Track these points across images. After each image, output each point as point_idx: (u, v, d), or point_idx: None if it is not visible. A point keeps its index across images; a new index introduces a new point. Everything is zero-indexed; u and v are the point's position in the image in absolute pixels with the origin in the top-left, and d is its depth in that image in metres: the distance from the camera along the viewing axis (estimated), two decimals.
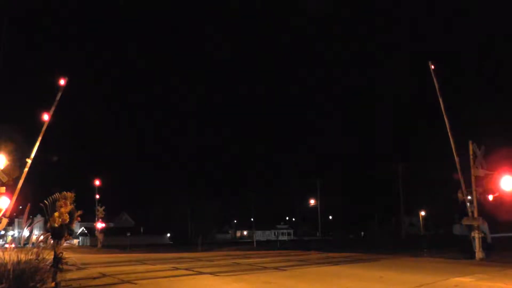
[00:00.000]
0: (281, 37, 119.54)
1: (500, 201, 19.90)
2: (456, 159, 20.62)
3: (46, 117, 20.32)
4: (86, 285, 11.79)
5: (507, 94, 67.20)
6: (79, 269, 14.59)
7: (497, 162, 19.86)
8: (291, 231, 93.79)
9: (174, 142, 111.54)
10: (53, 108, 20.50)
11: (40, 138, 20.06)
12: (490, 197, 19.56)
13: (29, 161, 19.43)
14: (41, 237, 10.40)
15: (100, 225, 48.94)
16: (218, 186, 79.85)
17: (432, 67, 21.80)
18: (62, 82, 20.61)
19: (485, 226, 19.72)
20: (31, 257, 9.71)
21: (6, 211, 18.30)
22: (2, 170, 15.34)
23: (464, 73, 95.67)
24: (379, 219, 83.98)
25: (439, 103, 21.52)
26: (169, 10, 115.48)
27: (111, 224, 71.44)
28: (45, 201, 10.34)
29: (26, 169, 19.27)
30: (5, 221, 17.78)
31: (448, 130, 21.10)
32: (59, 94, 20.58)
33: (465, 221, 20.32)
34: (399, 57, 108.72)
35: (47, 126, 20.38)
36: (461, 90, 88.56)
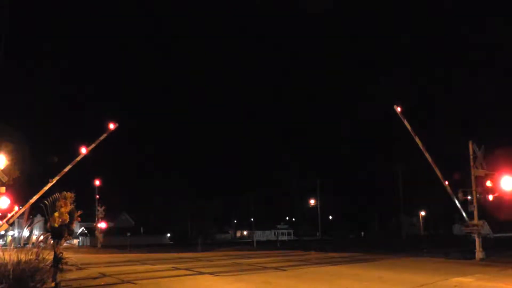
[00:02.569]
0: (282, 36, 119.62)
1: (500, 201, 19.91)
2: (447, 186, 20.81)
3: (84, 150, 20.47)
4: (86, 285, 11.79)
5: (507, 94, 67.17)
6: (79, 269, 14.59)
7: (497, 162, 19.88)
8: (291, 231, 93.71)
9: (174, 142, 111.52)
10: (93, 145, 20.61)
11: (69, 167, 19.91)
12: (490, 197, 19.57)
13: (52, 181, 19.32)
14: (41, 237, 10.39)
15: (101, 225, 48.89)
16: (218, 186, 79.83)
17: (399, 109, 21.43)
18: (111, 126, 20.82)
19: (486, 227, 19.73)
20: (31, 257, 9.70)
21: (10, 217, 18.38)
22: (2, 170, 15.37)
23: (464, 72, 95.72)
24: (379, 219, 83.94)
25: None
26: (168, 9, 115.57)
27: (111, 224, 71.35)
28: (45, 201, 10.35)
29: (46, 188, 19.15)
30: (5, 226, 17.86)
31: (432, 163, 21.22)
32: (104, 135, 20.71)
33: (466, 229, 20.32)
34: (399, 57, 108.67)
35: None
36: (461, 90, 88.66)
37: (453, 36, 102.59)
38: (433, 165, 20.97)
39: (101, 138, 20.67)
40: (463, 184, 20.75)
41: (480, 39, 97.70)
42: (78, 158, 20.25)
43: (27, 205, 17.79)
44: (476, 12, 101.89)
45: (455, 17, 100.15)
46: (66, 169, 19.70)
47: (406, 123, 21.50)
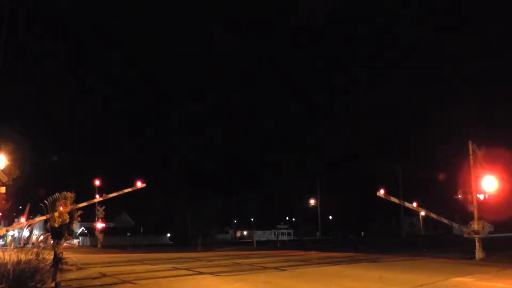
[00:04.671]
0: (282, 35, 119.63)
1: (499, 201, 19.94)
2: (444, 219, 21.69)
3: (103, 195, 20.60)
4: (86, 285, 11.79)
5: (507, 94, 67.18)
6: (79, 269, 14.57)
7: (497, 162, 19.90)
8: (291, 231, 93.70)
9: (174, 142, 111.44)
10: (114, 194, 20.76)
11: (84, 204, 19.81)
12: (490, 197, 19.59)
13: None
14: (41, 237, 10.40)
15: (100, 225, 48.92)
16: (218, 186, 79.74)
17: (382, 192, 23.36)
18: (139, 184, 20.98)
19: (486, 226, 19.74)
20: (31, 257, 9.70)
21: (12, 227, 18.44)
22: (2, 170, 15.37)
23: (464, 73, 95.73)
24: (379, 219, 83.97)
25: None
26: (170, 8, 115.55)
27: (111, 224, 71.42)
28: (45, 201, 10.36)
29: (55, 215, 18.98)
30: (3, 231, 17.86)
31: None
32: (129, 189, 20.76)
33: (466, 234, 20.36)
34: (399, 57, 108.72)
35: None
36: (462, 90, 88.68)
37: (454, 36, 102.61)
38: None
39: (125, 191, 20.92)
40: (463, 184, 20.83)
41: (483, 39, 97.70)
42: (95, 200, 20.46)
43: (32, 221, 17.81)
44: (479, 11, 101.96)
45: (455, 16, 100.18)
46: (81, 204, 19.66)
47: (392, 199, 24.21)
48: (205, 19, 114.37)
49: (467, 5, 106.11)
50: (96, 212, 48.83)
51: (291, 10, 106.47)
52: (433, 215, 24.02)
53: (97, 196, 45.43)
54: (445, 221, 23.22)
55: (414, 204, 23.96)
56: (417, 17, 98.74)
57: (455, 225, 22.61)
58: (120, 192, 20.62)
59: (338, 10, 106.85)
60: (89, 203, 19.90)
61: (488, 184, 19.23)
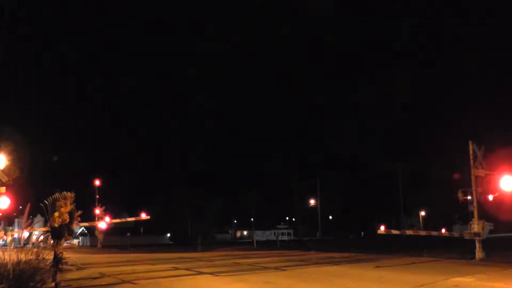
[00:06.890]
0: (281, 36, 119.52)
1: (500, 201, 19.94)
2: (445, 232, 22.63)
3: (107, 219, 20.96)
4: (86, 285, 11.80)
5: (507, 94, 67.20)
6: (79, 269, 14.59)
7: (497, 162, 19.90)
8: (291, 231, 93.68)
9: (174, 142, 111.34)
10: (118, 220, 21.19)
11: (85, 224, 20.09)
12: (490, 197, 19.59)
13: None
14: (41, 237, 10.40)
15: (103, 224, 48.69)
16: (218, 186, 79.65)
17: (382, 229, 26.24)
18: (143, 216, 21.33)
19: (486, 226, 19.74)
20: (31, 257, 9.70)
21: (10, 234, 18.64)
22: (2, 170, 15.36)
23: (464, 73, 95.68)
24: (379, 219, 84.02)
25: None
26: (167, 7, 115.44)
27: (111, 224, 71.40)
28: (45, 201, 10.35)
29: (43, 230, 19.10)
30: (1, 234, 17.96)
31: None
32: (133, 219, 21.02)
33: (467, 236, 20.35)
34: (399, 58, 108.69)
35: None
36: (461, 90, 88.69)
37: (454, 36, 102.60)
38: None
39: (129, 219, 21.13)
40: (463, 184, 20.88)
41: (482, 40, 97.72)
42: (96, 223, 20.70)
43: (33, 230, 17.83)
44: (476, 11, 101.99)
45: (457, 15, 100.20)
46: (83, 223, 19.83)
47: (393, 231, 27.10)
48: (203, 18, 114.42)
49: (467, 5, 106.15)
50: (96, 212, 48.70)
51: (292, 10, 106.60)
52: (434, 233, 24.90)
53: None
54: (445, 233, 23.78)
55: (415, 228, 25.44)
56: (423, 17, 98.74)
57: (455, 234, 22.97)
58: (123, 220, 20.82)
59: (339, 10, 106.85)
60: (91, 224, 20.13)
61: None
